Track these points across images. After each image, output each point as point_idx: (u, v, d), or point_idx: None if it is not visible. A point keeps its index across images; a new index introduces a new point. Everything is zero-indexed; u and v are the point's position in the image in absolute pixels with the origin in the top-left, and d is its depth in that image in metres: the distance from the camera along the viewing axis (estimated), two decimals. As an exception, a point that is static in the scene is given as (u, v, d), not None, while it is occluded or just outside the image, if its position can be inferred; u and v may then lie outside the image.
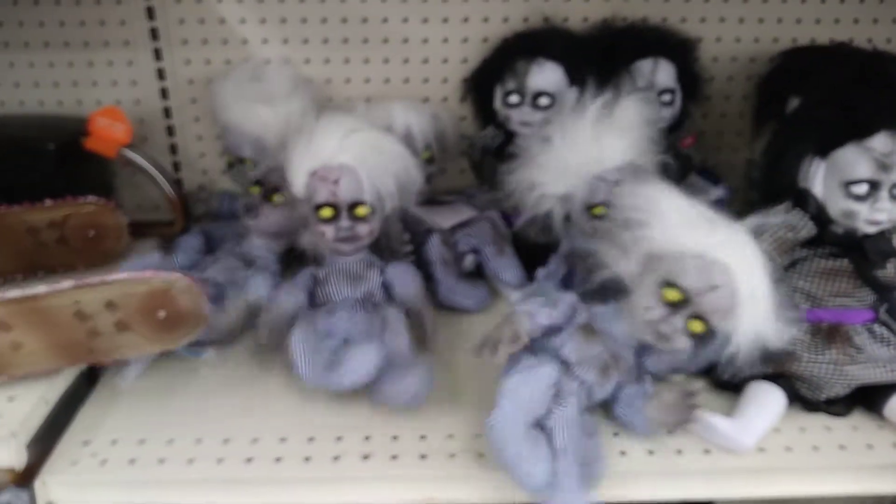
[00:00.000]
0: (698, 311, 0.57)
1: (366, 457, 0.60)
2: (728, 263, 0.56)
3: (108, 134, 0.83)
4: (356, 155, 0.70)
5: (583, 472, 0.55)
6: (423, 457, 0.60)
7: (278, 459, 0.60)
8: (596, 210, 0.72)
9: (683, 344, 0.58)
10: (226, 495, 0.60)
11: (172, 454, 0.61)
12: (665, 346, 0.59)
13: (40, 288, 0.62)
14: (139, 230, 0.86)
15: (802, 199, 0.64)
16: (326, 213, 0.70)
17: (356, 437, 0.62)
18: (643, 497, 0.60)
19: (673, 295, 0.57)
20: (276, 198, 0.78)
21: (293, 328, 0.66)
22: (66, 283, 0.62)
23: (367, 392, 0.64)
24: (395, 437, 0.62)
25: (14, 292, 0.61)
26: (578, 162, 0.72)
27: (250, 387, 0.69)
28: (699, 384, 0.58)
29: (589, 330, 0.62)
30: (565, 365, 0.60)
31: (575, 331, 0.61)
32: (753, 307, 0.56)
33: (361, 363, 0.62)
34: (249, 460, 0.60)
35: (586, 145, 0.72)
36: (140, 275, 0.63)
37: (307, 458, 0.60)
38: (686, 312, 0.57)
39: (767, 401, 0.62)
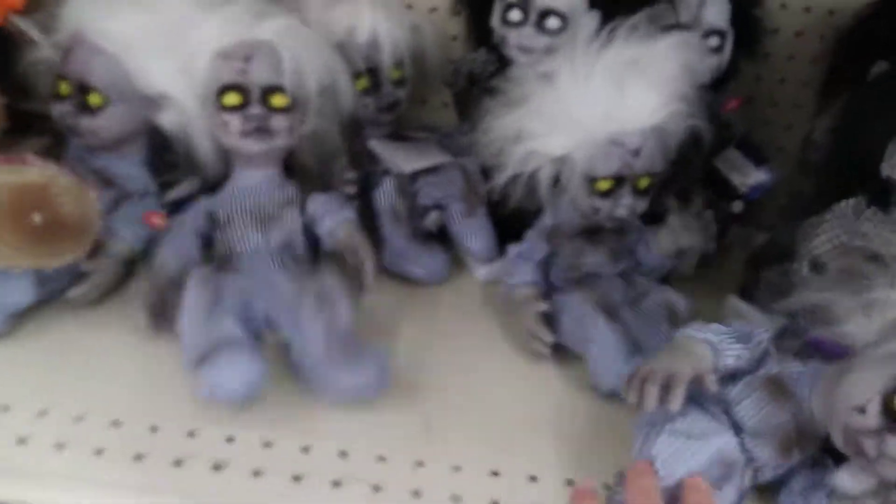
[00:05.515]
0: None
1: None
2: None
3: (-5, -5, 0.71)
4: (276, 31, 0.60)
5: None
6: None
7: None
8: (601, 184, 0.59)
9: (893, 474, 0.42)
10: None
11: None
12: (862, 464, 0.44)
13: None
14: (24, 122, 0.70)
15: (884, 192, 0.55)
16: (232, 98, 0.59)
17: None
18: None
19: None
20: (93, 99, 0.60)
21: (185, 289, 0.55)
22: None
23: (304, 383, 0.53)
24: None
25: None
26: (588, 115, 0.59)
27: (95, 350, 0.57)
28: None
29: (777, 387, 0.48)
30: (736, 429, 0.48)
31: (759, 384, 0.48)
32: None
33: (233, 376, 0.50)
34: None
35: (603, 94, 0.59)
36: (9, 160, 0.54)
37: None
38: None
39: None
